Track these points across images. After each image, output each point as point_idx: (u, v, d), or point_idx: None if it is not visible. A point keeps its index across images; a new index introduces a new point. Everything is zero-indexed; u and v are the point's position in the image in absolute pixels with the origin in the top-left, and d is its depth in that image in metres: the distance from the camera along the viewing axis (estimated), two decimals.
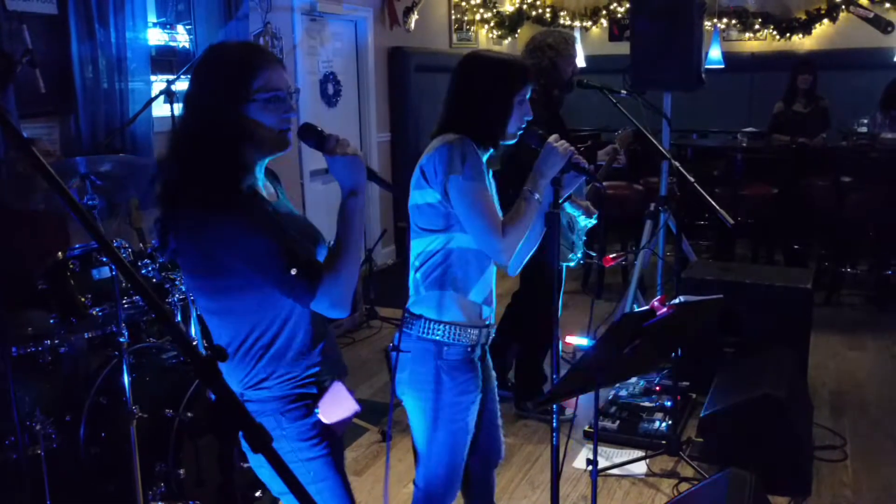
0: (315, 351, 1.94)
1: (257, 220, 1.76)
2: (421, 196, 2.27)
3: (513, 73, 2.31)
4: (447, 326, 2.24)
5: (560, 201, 2.30)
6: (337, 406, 1.95)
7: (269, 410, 1.89)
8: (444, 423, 2.28)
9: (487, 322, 2.34)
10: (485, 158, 2.30)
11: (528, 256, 2.43)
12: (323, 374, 1.96)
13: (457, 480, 2.39)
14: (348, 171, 1.84)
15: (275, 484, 1.95)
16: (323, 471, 1.94)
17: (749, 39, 8.65)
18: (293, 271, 1.74)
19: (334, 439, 1.97)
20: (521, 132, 2.34)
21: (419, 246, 2.30)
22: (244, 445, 1.99)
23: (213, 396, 2.57)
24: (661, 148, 3.85)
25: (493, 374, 2.50)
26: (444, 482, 2.36)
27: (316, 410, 1.92)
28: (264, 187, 1.94)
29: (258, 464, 1.96)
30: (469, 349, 2.28)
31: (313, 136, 1.86)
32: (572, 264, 3.37)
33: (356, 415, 2.01)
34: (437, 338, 2.24)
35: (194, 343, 3.39)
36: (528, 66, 2.40)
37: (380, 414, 4.21)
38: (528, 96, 2.33)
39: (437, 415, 2.28)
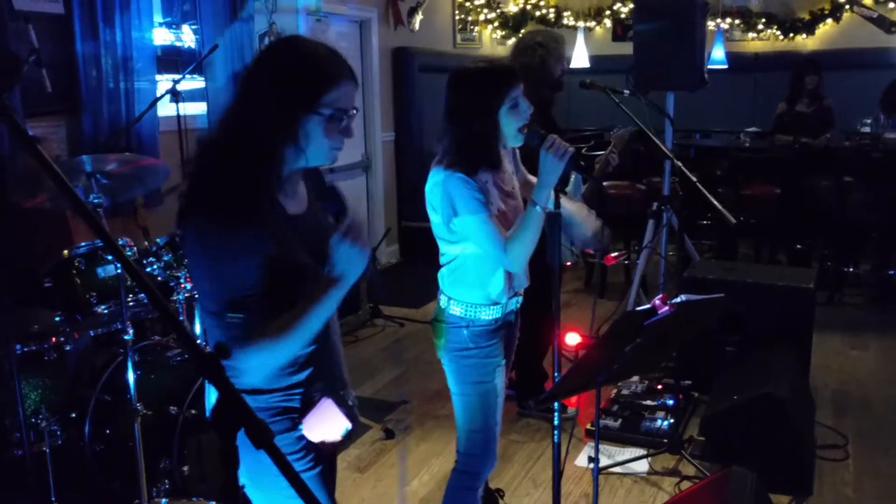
0: (308, 366, 1.80)
1: (247, 238, 1.61)
2: (431, 215, 2.46)
3: (492, 85, 2.34)
4: (472, 306, 2.47)
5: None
6: (323, 423, 1.84)
7: None
8: (473, 384, 2.51)
9: (510, 296, 2.52)
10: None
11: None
12: (312, 390, 1.82)
13: (492, 443, 2.57)
14: (353, 262, 1.68)
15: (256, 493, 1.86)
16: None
17: (752, 39, 8.63)
18: (234, 316, 1.61)
19: (322, 456, 1.86)
20: (525, 131, 2.38)
21: (441, 247, 2.52)
22: (243, 462, 1.85)
23: (208, 414, 2.52)
24: (663, 147, 3.86)
25: (517, 334, 2.72)
26: (480, 445, 2.56)
27: (300, 426, 1.80)
28: (295, 193, 1.80)
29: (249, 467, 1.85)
30: (493, 322, 2.49)
31: (336, 202, 1.72)
32: (569, 263, 3.40)
33: (349, 433, 1.93)
34: (464, 314, 2.47)
35: (198, 341, 3.41)
36: (509, 70, 2.40)
37: (383, 412, 4.22)
38: (518, 97, 2.36)
39: (467, 376, 2.51)
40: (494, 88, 2.33)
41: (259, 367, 1.66)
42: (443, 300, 2.52)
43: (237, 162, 1.64)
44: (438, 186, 2.37)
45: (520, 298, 2.60)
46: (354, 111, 1.73)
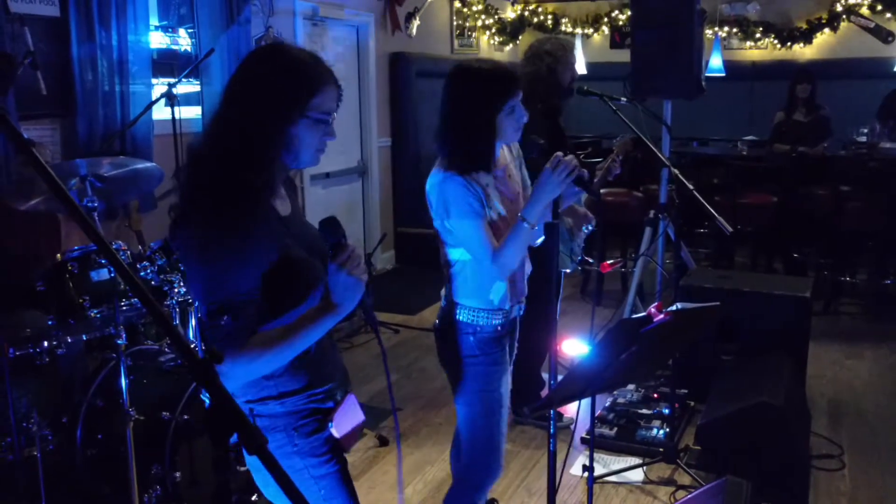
0: (326, 364, 1.87)
1: (245, 244, 1.64)
2: (433, 216, 2.42)
3: (494, 89, 2.30)
4: (478, 311, 2.42)
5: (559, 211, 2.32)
6: (348, 419, 1.90)
7: (282, 426, 1.80)
8: (478, 392, 2.46)
9: (514, 303, 2.48)
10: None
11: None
12: (335, 388, 1.89)
13: (496, 454, 2.52)
14: (349, 292, 1.68)
15: (269, 489, 1.90)
16: (335, 488, 1.87)
17: (750, 48, 8.67)
18: (224, 319, 1.61)
19: (343, 454, 1.91)
20: (520, 134, 2.38)
21: (446, 251, 2.46)
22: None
23: (206, 402, 2.56)
24: (660, 155, 3.85)
25: (516, 344, 2.65)
26: (484, 456, 2.50)
27: (330, 424, 1.85)
28: (281, 195, 1.84)
29: (255, 467, 1.90)
30: (499, 327, 2.44)
31: (334, 235, 1.71)
32: (569, 270, 3.38)
33: (363, 427, 1.99)
34: (470, 320, 2.42)
35: (192, 346, 3.38)
36: (511, 76, 2.35)
37: (377, 419, 4.20)
38: (516, 105, 2.33)
39: (472, 384, 2.46)
40: (495, 94, 2.29)
41: (239, 374, 1.68)
42: (447, 305, 2.46)
43: (234, 169, 1.66)
44: (435, 188, 2.34)
45: (522, 305, 2.55)
46: (335, 115, 1.79)
